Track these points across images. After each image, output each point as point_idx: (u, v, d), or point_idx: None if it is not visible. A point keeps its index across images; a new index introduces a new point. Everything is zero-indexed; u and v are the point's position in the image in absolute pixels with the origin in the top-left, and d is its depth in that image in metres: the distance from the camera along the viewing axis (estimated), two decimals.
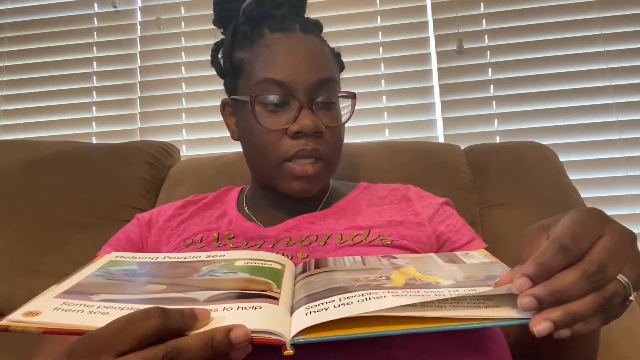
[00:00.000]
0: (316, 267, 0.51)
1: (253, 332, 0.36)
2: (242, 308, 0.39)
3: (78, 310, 0.38)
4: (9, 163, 1.07)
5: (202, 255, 0.53)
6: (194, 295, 0.42)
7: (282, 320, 0.39)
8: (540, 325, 0.35)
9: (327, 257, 0.56)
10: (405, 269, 0.48)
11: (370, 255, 0.57)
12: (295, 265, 0.55)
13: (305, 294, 0.43)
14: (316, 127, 0.63)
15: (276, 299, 0.42)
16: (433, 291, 0.40)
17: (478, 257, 0.53)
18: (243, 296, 0.42)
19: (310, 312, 0.38)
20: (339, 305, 0.38)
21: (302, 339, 0.36)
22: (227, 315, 0.38)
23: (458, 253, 0.55)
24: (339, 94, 0.69)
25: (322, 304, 0.39)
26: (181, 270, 0.48)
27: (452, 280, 0.43)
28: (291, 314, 0.41)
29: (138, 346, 0.32)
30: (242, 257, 0.52)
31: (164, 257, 0.53)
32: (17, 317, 0.36)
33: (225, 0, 0.73)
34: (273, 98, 0.64)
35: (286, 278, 0.49)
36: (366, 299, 0.38)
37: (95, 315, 0.37)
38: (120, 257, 0.53)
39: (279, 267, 0.51)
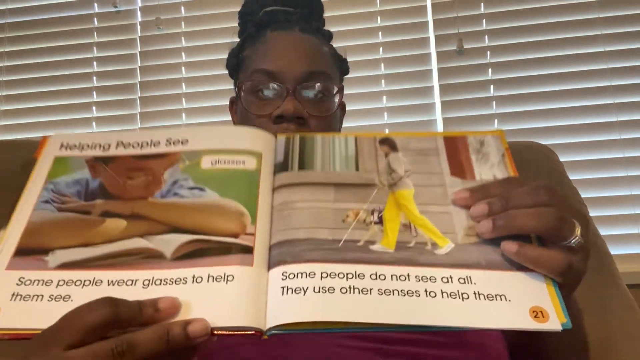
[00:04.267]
0: (301, 154, 0.44)
1: (221, 328, 0.34)
2: (213, 279, 0.35)
3: (37, 296, 0.35)
4: (9, 163, 1.07)
5: (162, 140, 0.44)
6: (159, 246, 0.37)
7: (257, 298, 0.35)
8: (483, 222, 0.38)
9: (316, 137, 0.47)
10: (402, 194, 0.42)
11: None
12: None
13: (284, 237, 0.38)
14: (297, 112, 0.64)
15: (250, 249, 0.37)
16: (421, 286, 0.35)
17: (493, 152, 0.45)
18: (213, 252, 0.37)
19: (287, 290, 0.35)
20: (319, 290, 0.34)
21: (278, 330, 0.34)
22: (194, 297, 0.35)
23: (472, 148, 0.46)
24: (328, 87, 0.69)
25: (301, 275, 0.35)
26: (140, 180, 0.41)
27: (448, 242, 0.39)
28: (269, 266, 0.37)
29: (86, 338, 0.32)
30: (208, 147, 0.43)
31: (117, 144, 0.44)
32: None
33: (248, 12, 0.77)
34: (262, 86, 0.67)
35: (263, 191, 0.41)
36: (349, 289, 0.34)
37: (56, 302, 0.35)
38: (66, 149, 0.44)
39: (252, 166, 0.42)
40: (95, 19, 1.59)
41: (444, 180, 0.43)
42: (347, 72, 0.77)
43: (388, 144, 0.45)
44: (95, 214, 0.39)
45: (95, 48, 1.57)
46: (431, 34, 1.44)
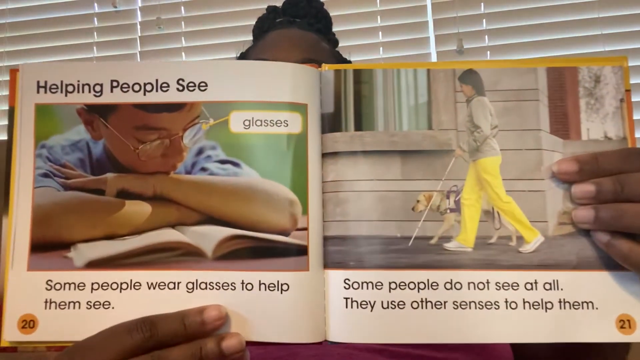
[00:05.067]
0: (356, 102, 0.34)
1: (276, 344, 0.32)
2: (266, 287, 0.32)
3: (73, 303, 0.33)
4: None
5: (171, 81, 0.34)
6: (196, 240, 0.33)
7: (315, 307, 0.32)
8: (583, 211, 0.31)
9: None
10: (485, 165, 0.34)
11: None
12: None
13: (343, 232, 0.33)
14: None
15: (305, 249, 0.33)
16: (501, 296, 0.31)
17: (610, 94, 0.35)
18: (261, 253, 0.33)
19: (352, 303, 0.32)
20: (387, 306, 0.32)
21: (338, 341, 0.32)
22: (244, 307, 0.32)
23: (583, 87, 0.35)
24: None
25: (366, 286, 0.32)
26: (155, 146, 0.34)
27: (537, 235, 0.33)
28: (325, 263, 0.33)
29: (119, 358, 0.31)
30: (236, 97, 0.34)
31: (112, 85, 0.35)
32: (16, 335, 0.32)
33: (259, 27, 0.81)
34: None
35: (312, 164, 0.33)
36: (421, 303, 0.31)
37: (96, 310, 0.33)
38: (46, 91, 0.35)
39: (297, 128, 0.34)
40: (95, 19, 1.59)
41: (541, 140, 0.34)
42: None
43: (472, 82, 0.35)
44: (111, 194, 0.34)
45: (95, 48, 1.57)
46: (431, 34, 1.43)
